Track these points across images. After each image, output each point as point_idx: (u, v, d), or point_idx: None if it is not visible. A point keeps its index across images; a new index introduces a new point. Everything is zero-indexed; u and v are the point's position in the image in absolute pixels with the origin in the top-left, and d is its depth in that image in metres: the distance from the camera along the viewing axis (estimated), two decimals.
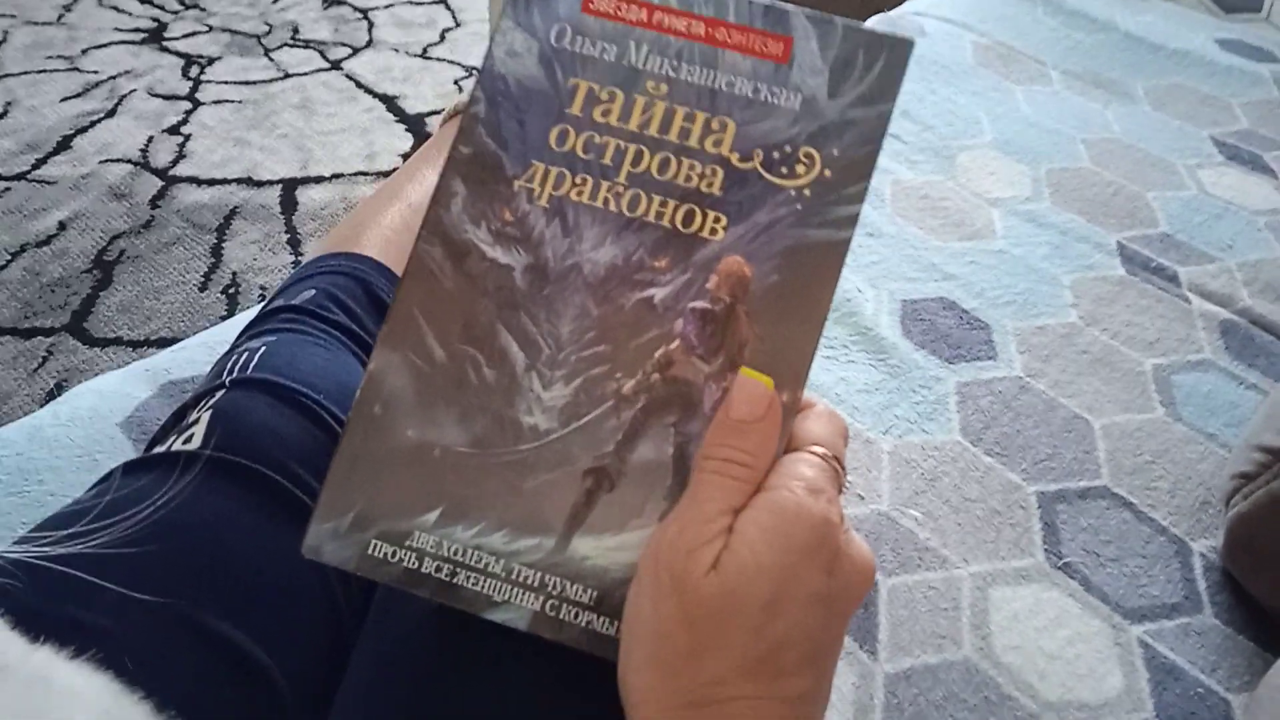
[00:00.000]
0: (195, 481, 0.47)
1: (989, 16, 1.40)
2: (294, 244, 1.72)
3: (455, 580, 0.36)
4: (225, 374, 0.54)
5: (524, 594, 0.36)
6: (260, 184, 1.84)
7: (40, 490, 0.62)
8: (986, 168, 1.07)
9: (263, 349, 0.55)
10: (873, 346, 0.83)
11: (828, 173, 0.37)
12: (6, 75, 2.03)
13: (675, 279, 0.37)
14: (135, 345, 1.50)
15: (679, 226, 0.37)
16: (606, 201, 0.37)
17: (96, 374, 1.44)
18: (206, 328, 1.54)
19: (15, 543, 0.46)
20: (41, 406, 1.37)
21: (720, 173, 0.37)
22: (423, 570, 0.36)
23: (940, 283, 0.91)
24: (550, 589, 0.36)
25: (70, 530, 0.45)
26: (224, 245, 1.70)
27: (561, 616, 0.36)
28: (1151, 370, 0.83)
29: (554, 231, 0.37)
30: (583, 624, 0.36)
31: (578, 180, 0.38)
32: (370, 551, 0.36)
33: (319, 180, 1.86)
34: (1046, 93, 1.24)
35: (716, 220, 0.37)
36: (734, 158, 0.38)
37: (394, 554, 0.36)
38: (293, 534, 0.38)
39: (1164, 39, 1.39)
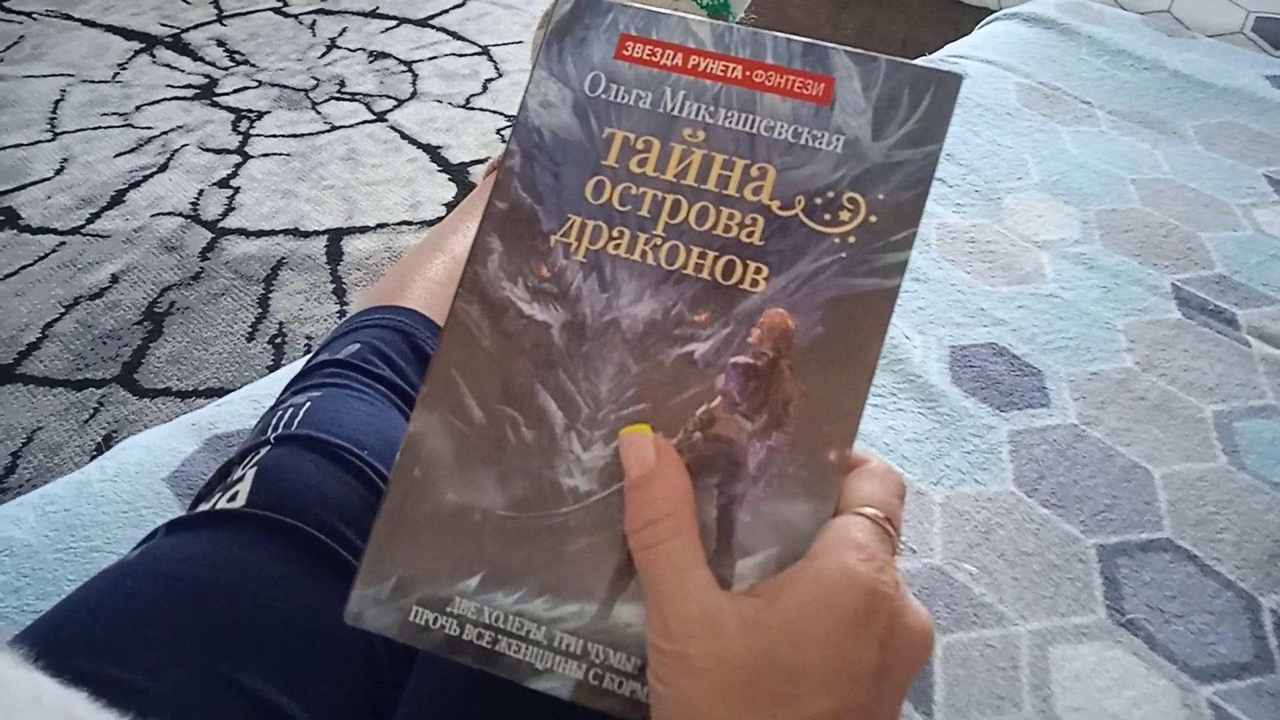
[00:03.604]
0: (239, 540, 0.47)
1: (1032, 58, 1.39)
2: (339, 294, 1.74)
3: (497, 648, 0.35)
4: (270, 430, 0.54)
5: (566, 662, 0.35)
6: (306, 234, 1.87)
7: (85, 546, 0.62)
8: (1034, 210, 1.06)
9: (307, 404, 0.55)
10: (921, 394, 0.81)
11: (873, 219, 0.36)
12: (64, 132, 2.09)
13: (716, 333, 0.36)
14: (184, 396, 1.52)
15: (719, 279, 0.36)
16: (644, 254, 0.37)
17: (146, 425, 1.46)
18: (253, 378, 1.56)
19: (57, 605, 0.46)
20: (91, 458, 1.39)
21: (760, 221, 0.36)
22: (464, 638, 0.35)
23: (990, 328, 0.89)
24: (593, 657, 0.35)
25: (113, 590, 0.45)
26: (271, 296, 1.72)
27: (604, 685, 0.35)
28: (1212, 417, 0.81)
29: (591, 287, 0.37)
30: (626, 693, 0.35)
31: (614, 233, 0.37)
32: (412, 618, 0.36)
33: (364, 230, 1.89)
34: (1093, 133, 1.23)
35: (758, 271, 0.36)
36: (775, 205, 0.36)
37: (435, 621, 0.36)
38: (335, 593, 0.38)
39: (1212, 76, 1.37)
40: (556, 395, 0.36)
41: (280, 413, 0.55)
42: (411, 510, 0.36)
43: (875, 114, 0.36)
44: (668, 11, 0.38)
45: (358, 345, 0.62)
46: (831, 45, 0.37)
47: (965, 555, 0.68)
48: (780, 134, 0.37)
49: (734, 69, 0.37)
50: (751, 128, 0.37)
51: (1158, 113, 1.29)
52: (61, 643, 0.42)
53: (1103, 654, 0.63)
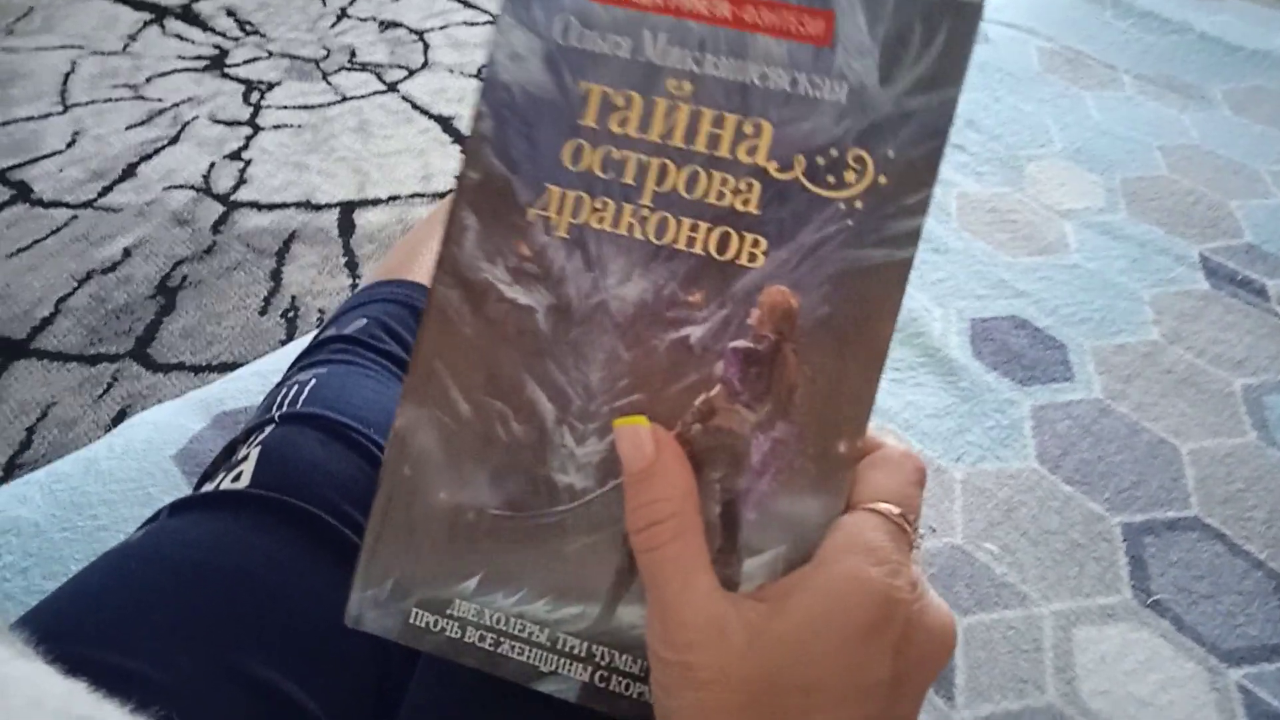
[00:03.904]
0: (243, 523, 0.46)
1: (1055, 20, 1.35)
2: (351, 267, 1.73)
3: (500, 650, 0.34)
4: (275, 408, 0.53)
5: (571, 664, 0.33)
6: (318, 207, 1.85)
7: (92, 524, 0.62)
8: (1057, 178, 1.03)
9: (313, 381, 0.54)
10: (942, 368, 0.79)
11: (882, 179, 0.31)
12: (74, 105, 2.08)
13: (712, 315, 0.32)
14: (197, 370, 1.52)
15: (713, 253, 0.32)
16: (631, 228, 0.33)
17: (159, 400, 1.45)
18: (266, 352, 1.55)
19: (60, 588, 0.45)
20: (105, 432, 1.39)
21: (757, 187, 0.32)
22: (466, 640, 0.34)
23: (1011, 300, 0.87)
24: (598, 659, 0.33)
25: (117, 573, 0.44)
26: (283, 269, 1.71)
27: (611, 688, 0.33)
28: (1241, 391, 0.79)
29: (576, 266, 0.33)
30: (634, 695, 0.33)
31: (597, 204, 0.33)
32: (412, 621, 0.34)
33: (376, 203, 1.87)
34: (1118, 98, 1.20)
35: (755, 244, 0.32)
36: (772, 167, 0.32)
37: (436, 623, 0.34)
38: (340, 576, 0.37)
39: (1242, 39, 1.33)
40: (545, 386, 0.33)
41: (286, 390, 0.54)
42: (403, 510, 0.34)
43: (883, 54, 0.31)
44: None
45: (365, 320, 0.60)
46: None
47: (987, 534, 0.67)
48: (776, 83, 0.32)
49: (721, 5, 0.32)
50: (743, 77, 0.32)
51: (1185, 77, 1.25)
52: (64, 629, 0.41)
53: (1128, 636, 0.62)
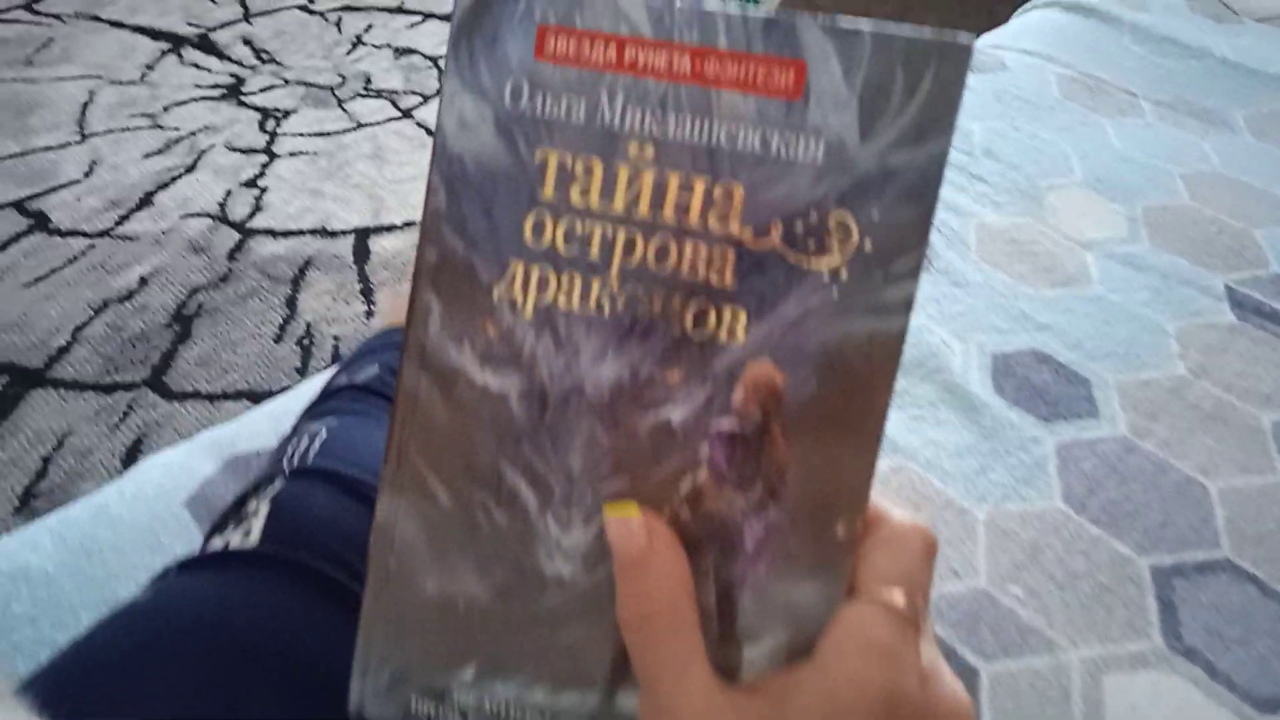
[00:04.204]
0: (253, 582, 0.45)
1: (1072, 47, 1.34)
2: (366, 293, 1.73)
3: None
4: (285, 461, 0.52)
5: None
6: (333, 234, 1.86)
7: (103, 572, 0.61)
8: (1077, 208, 1.02)
9: (323, 433, 0.53)
10: (962, 405, 0.78)
11: (868, 244, 0.29)
12: (92, 134, 2.09)
13: (693, 395, 0.30)
14: (213, 399, 1.52)
15: (689, 330, 0.30)
16: (600, 305, 0.30)
17: (175, 429, 1.46)
18: (281, 380, 1.55)
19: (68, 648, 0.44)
20: (121, 463, 1.39)
21: (731, 256, 0.29)
22: None
23: (1033, 334, 0.85)
24: None
25: (126, 636, 0.43)
26: (298, 296, 1.71)
27: None
28: (1271, 427, 0.77)
29: (546, 348, 0.31)
30: None
31: (563, 281, 0.30)
32: (414, 709, 0.33)
33: (390, 229, 1.87)
34: (1138, 125, 1.18)
35: (734, 318, 0.30)
36: (746, 235, 0.29)
37: (437, 709, 0.33)
38: (348, 631, 0.36)
39: (1262, 63, 1.32)
40: (525, 473, 0.32)
41: (296, 441, 0.54)
42: (393, 602, 0.33)
43: (862, 106, 0.28)
44: None
45: (376, 368, 0.60)
46: (800, 15, 0.29)
47: (1011, 577, 0.65)
48: (745, 143, 0.29)
49: (680, 61, 0.29)
50: (709, 138, 0.29)
51: (1206, 102, 1.24)
52: (70, 695, 0.40)
53: (1159, 683, 0.60)
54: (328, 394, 0.59)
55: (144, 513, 0.64)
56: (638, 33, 0.30)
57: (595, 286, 0.30)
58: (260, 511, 0.48)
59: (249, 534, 0.47)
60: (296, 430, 0.57)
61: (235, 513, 0.52)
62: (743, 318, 0.30)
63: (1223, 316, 0.88)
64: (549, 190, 0.30)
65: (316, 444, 0.52)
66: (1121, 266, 0.94)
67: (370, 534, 0.33)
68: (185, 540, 0.64)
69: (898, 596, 0.29)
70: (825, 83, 0.29)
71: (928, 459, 0.73)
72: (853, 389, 0.29)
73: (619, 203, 0.30)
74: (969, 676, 0.59)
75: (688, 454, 0.30)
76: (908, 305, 0.29)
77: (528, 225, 0.31)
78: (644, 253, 0.30)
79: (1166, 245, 0.97)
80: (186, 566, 0.47)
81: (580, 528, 0.31)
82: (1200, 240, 0.97)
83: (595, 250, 0.30)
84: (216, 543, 0.49)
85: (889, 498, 0.33)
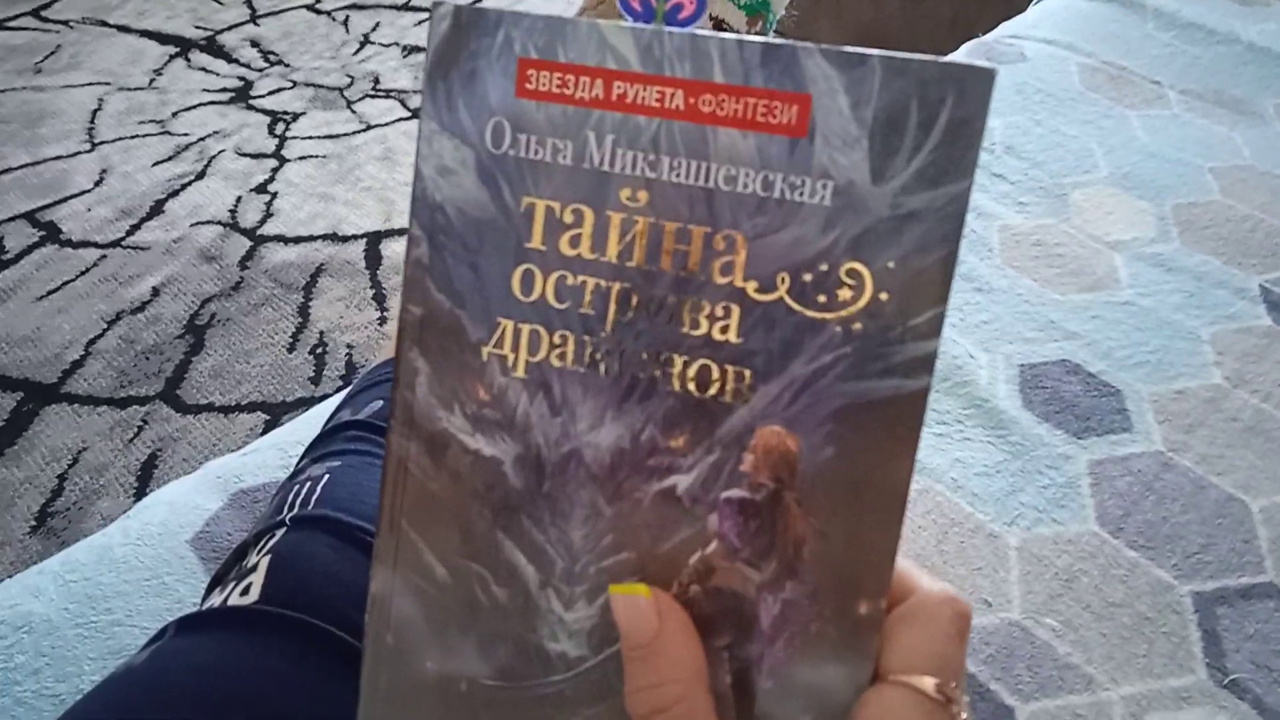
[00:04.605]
0: (253, 643, 0.43)
1: (1095, 35, 1.31)
2: (379, 299, 1.71)
3: None
4: (286, 508, 0.50)
5: None
6: (345, 239, 1.84)
7: (107, 619, 0.59)
8: (1104, 206, 0.99)
9: (325, 478, 0.51)
10: (990, 421, 0.76)
11: (883, 296, 0.26)
12: (102, 142, 2.08)
13: (700, 461, 0.28)
14: (226, 411, 1.51)
15: (693, 391, 0.28)
16: (596, 365, 0.28)
17: (189, 443, 1.45)
18: (295, 390, 1.54)
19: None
20: (135, 479, 1.38)
21: (736, 311, 0.27)
22: None
23: (1061, 343, 0.82)
24: None
25: (122, 704, 0.42)
26: (310, 304, 1.70)
27: None
28: None
29: (540, 410, 0.29)
30: None
31: (556, 339, 0.28)
32: None
33: (402, 233, 1.85)
34: (1165, 117, 1.15)
35: (740, 378, 0.27)
36: (751, 287, 0.27)
37: None
38: (351, 692, 0.34)
39: None
40: (523, 546, 0.30)
41: (299, 486, 0.52)
42: (392, 682, 0.31)
43: (873, 143, 0.26)
44: (574, 19, 0.28)
45: (380, 403, 0.58)
46: (802, 44, 0.26)
47: (1046, 608, 0.63)
48: (746, 186, 0.27)
49: (673, 96, 0.27)
50: (707, 180, 0.27)
51: (1234, 91, 1.20)
52: None
53: None
54: (330, 432, 0.57)
55: (148, 554, 0.63)
56: (625, 65, 0.27)
57: (589, 345, 0.28)
58: (260, 566, 0.47)
59: (248, 590, 0.45)
60: (298, 473, 0.55)
61: (236, 562, 0.50)
62: (749, 377, 0.27)
63: (1259, 320, 0.85)
64: (537, 240, 0.28)
65: (318, 489, 0.51)
66: (1151, 268, 0.91)
67: (366, 606, 0.31)
68: (190, 581, 0.62)
69: (928, 679, 0.27)
70: (832, 118, 0.26)
71: (954, 480, 0.71)
72: (872, 455, 0.27)
73: (612, 253, 0.28)
74: (1003, 717, 0.57)
75: (696, 525, 0.28)
76: (929, 363, 0.26)
77: (516, 279, 0.29)
78: (641, 307, 0.28)
79: (1198, 245, 0.93)
80: (184, 626, 0.45)
81: (584, 604, 0.29)
82: (1233, 239, 0.94)
83: (588, 304, 0.28)
84: (215, 598, 0.47)
85: (914, 551, 0.30)
